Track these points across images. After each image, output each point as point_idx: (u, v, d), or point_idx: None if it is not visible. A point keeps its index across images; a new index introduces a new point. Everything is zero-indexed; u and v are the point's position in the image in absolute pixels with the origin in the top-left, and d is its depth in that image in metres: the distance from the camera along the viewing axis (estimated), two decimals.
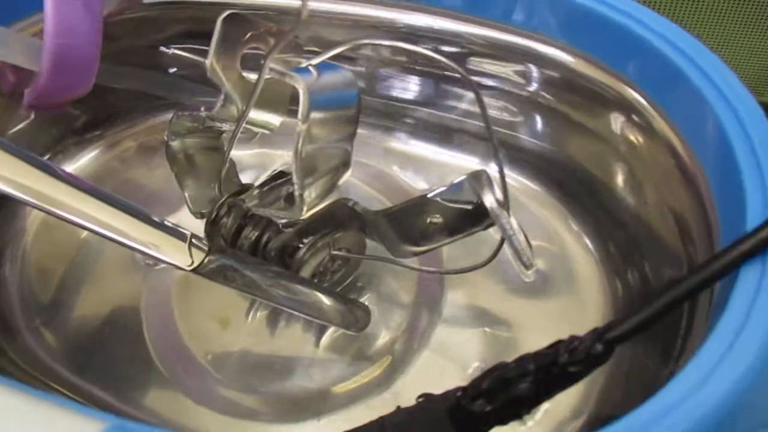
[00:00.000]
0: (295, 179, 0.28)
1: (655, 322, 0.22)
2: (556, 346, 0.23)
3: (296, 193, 0.29)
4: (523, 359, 0.24)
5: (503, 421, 0.24)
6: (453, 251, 0.38)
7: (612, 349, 0.22)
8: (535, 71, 0.38)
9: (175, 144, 0.35)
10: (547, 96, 0.39)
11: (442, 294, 0.37)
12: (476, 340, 0.35)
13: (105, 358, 0.34)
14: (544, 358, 0.23)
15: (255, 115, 0.33)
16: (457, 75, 0.39)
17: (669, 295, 0.22)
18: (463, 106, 0.43)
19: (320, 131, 0.29)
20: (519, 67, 0.39)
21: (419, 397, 0.26)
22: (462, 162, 0.44)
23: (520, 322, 0.36)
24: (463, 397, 0.25)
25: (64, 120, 0.43)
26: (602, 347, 0.22)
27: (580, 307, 0.36)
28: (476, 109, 0.42)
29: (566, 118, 0.39)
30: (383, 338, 0.35)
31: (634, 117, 0.34)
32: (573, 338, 0.23)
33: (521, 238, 0.28)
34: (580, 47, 0.35)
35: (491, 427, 0.24)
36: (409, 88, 0.43)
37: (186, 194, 0.35)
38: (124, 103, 0.44)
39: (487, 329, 0.36)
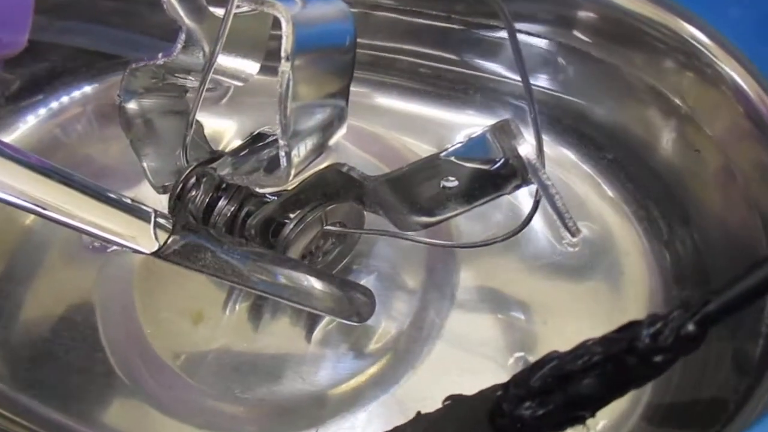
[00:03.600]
0: (280, 134, 0.23)
1: (764, 293, 0.17)
2: (630, 327, 0.18)
3: (282, 153, 0.23)
4: (587, 347, 0.19)
5: (560, 428, 0.20)
6: (465, 225, 0.34)
7: (708, 329, 0.17)
8: (574, 9, 0.33)
9: (131, 106, 0.30)
10: (586, 40, 0.34)
11: (454, 276, 0.33)
12: (498, 328, 0.31)
13: (54, 368, 0.30)
14: (614, 344, 0.19)
15: (226, 60, 0.28)
16: (469, 18, 0.34)
17: None
18: (475, 56, 0.38)
19: (309, 75, 0.24)
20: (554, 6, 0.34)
21: (446, 399, 0.22)
22: (472, 120, 0.39)
23: (549, 305, 0.31)
24: (504, 399, 0.20)
25: None
26: (695, 328, 0.17)
27: (620, 284, 0.32)
28: (487, 62, 0.37)
29: (603, 68, 0.34)
30: (387, 329, 0.31)
31: (693, 60, 0.30)
32: (654, 317, 0.18)
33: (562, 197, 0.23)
34: None
35: None
36: (409, 35, 0.38)
37: (145, 165, 0.31)
38: (68, 63, 0.38)
39: (510, 315, 0.31)
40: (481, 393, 0.21)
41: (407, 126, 0.39)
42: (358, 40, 0.39)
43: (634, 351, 0.18)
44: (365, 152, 0.37)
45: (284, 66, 0.23)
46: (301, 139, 0.25)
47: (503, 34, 0.34)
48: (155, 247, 0.25)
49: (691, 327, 0.17)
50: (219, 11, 0.27)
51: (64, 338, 0.31)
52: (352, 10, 0.37)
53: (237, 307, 0.32)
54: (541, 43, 0.35)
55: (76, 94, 0.39)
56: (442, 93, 0.39)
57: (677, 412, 0.25)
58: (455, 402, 0.21)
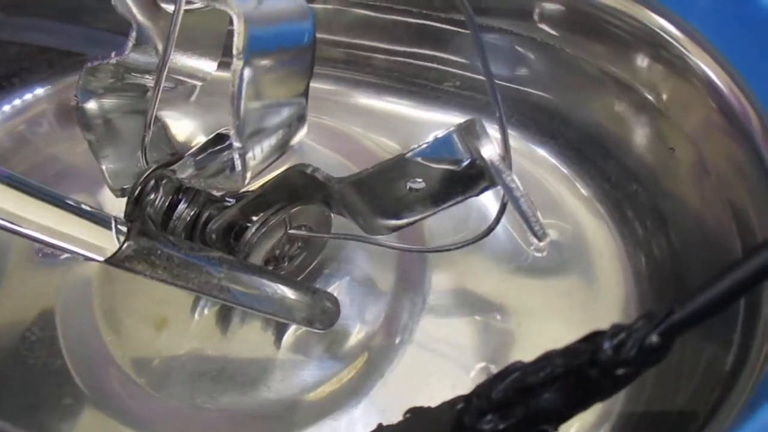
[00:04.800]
0: (234, 135, 0.22)
1: (732, 300, 0.16)
2: (593, 338, 0.17)
3: (236, 154, 0.22)
4: (549, 358, 0.18)
5: None
6: (437, 227, 0.33)
7: (672, 341, 0.16)
8: (540, 2, 0.32)
9: (90, 106, 0.29)
10: (553, 33, 0.33)
11: (425, 279, 0.32)
12: (470, 332, 0.30)
13: (11, 381, 0.29)
14: (577, 355, 0.18)
15: (181, 59, 0.27)
16: (444, 14, 0.33)
17: (751, 264, 0.16)
18: (443, 52, 0.37)
19: (266, 74, 0.23)
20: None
21: (407, 412, 0.21)
22: (441, 119, 0.38)
23: (522, 308, 0.31)
24: (465, 412, 0.19)
25: None
26: (659, 339, 0.16)
27: (594, 287, 0.31)
28: (458, 57, 0.36)
29: (573, 63, 0.33)
30: (358, 334, 0.30)
31: (663, 53, 0.29)
32: (617, 327, 0.17)
33: (530, 199, 0.22)
34: None
35: None
36: (384, 33, 0.37)
37: (103, 167, 0.29)
38: (27, 62, 0.37)
39: (482, 319, 0.31)
40: (443, 405, 0.20)
41: (381, 125, 0.38)
42: (333, 37, 0.38)
43: (596, 363, 0.17)
44: (337, 153, 0.36)
45: (236, 64, 0.22)
46: (258, 140, 0.24)
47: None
48: (108, 254, 0.24)
49: (654, 338, 0.16)
50: (171, 8, 0.26)
51: (22, 347, 0.30)
52: (327, 6, 0.36)
53: (205, 311, 0.31)
54: (511, 39, 0.34)
55: (35, 93, 0.38)
56: (418, 91, 0.38)
57: (648, 424, 0.24)
58: (416, 415, 0.21)
